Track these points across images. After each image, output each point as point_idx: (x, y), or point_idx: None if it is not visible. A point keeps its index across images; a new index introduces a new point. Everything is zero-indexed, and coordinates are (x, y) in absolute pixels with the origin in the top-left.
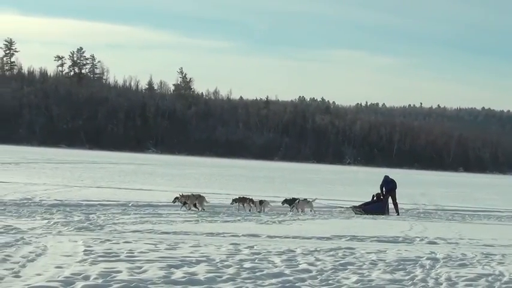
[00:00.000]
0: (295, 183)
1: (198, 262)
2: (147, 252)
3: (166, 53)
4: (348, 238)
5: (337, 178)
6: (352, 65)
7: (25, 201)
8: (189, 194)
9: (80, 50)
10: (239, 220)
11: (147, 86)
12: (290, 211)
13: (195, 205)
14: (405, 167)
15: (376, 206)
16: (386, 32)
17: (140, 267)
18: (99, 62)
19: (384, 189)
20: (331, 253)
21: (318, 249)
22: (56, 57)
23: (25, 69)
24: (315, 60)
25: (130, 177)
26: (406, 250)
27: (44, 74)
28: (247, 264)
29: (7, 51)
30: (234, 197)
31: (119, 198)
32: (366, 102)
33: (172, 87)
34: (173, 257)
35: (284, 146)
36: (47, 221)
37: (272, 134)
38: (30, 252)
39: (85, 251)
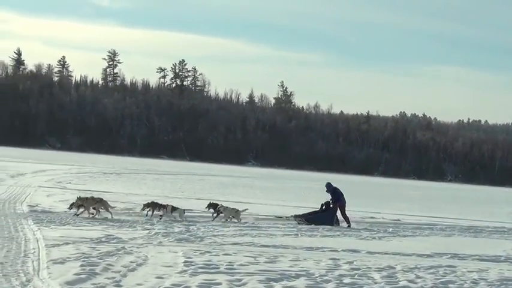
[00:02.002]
0: (395, 199)
1: (297, 276)
2: (247, 265)
3: (267, 66)
4: (449, 256)
5: (439, 195)
6: (454, 81)
7: (126, 211)
8: (88, 196)
9: (182, 62)
10: (338, 235)
11: (247, 99)
12: (213, 217)
13: (95, 209)
14: (507, 185)
15: (322, 216)
16: (489, 48)
17: (240, 280)
18: (200, 74)
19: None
20: (432, 271)
21: (418, 266)
22: (158, 69)
23: (127, 81)
24: (416, 76)
25: (230, 190)
26: (508, 270)
27: (146, 85)
28: (346, 280)
29: (110, 63)
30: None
31: None
32: (468, 119)
33: (273, 101)
34: (272, 270)
35: (384, 161)
36: (147, 231)
37: (372, 149)
38: (131, 262)
39: (185, 262)
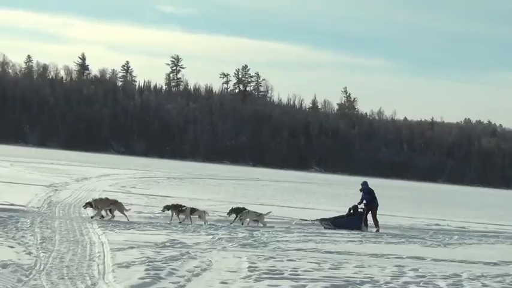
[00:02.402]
0: (459, 206)
1: (362, 283)
2: (311, 271)
3: (331, 71)
4: None
5: (504, 202)
6: None
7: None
8: (103, 198)
9: (245, 67)
10: (403, 242)
11: (310, 105)
12: (235, 221)
13: (111, 211)
14: None
15: (349, 220)
16: None
17: (304, 286)
18: (263, 80)
19: (363, 201)
20: (498, 279)
21: (485, 274)
22: (221, 75)
23: (191, 86)
24: (481, 82)
25: (293, 195)
26: None
27: (209, 90)
28: (412, 287)
29: (174, 68)
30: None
31: (283, 216)
32: None
33: (336, 107)
34: (337, 276)
35: (449, 168)
36: (211, 236)
37: (436, 156)
38: (195, 267)
39: (249, 267)
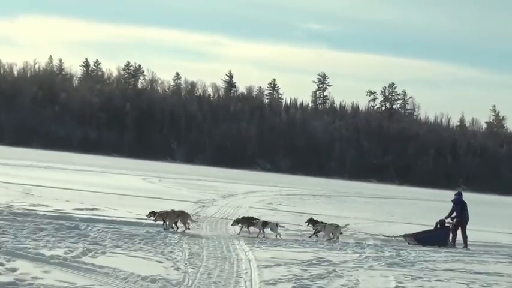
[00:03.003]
0: None
1: None
2: None
3: (478, 89)
4: None
5: None
6: None
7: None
8: (169, 210)
9: (391, 85)
10: None
11: (458, 123)
12: (313, 235)
13: (176, 224)
14: None
15: (434, 236)
16: None
17: None
18: (410, 97)
19: (452, 215)
20: None
21: None
22: (367, 92)
23: (337, 103)
24: None
25: (444, 214)
26: None
27: (355, 108)
28: None
29: (320, 85)
30: None
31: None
32: None
33: (484, 125)
34: None
35: None
36: (358, 254)
37: None
38: (342, 285)
39: (397, 287)
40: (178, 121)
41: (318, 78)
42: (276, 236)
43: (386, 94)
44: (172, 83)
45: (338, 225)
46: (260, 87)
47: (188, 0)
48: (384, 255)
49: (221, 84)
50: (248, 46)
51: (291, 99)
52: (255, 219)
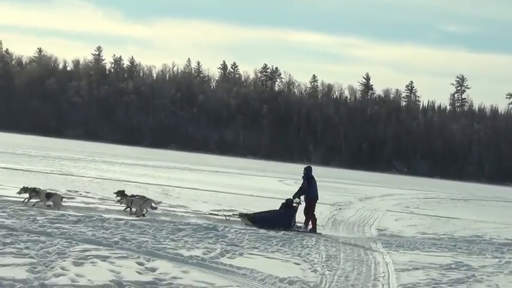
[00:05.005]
0: None
1: None
2: None
3: None
4: None
5: None
6: None
7: (475, 238)
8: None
9: None
10: None
11: None
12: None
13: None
14: None
15: (276, 216)
16: None
17: None
18: None
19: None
20: None
21: None
22: (507, 95)
23: (475, 106)
24: None
25: None
26: None
27: (494, 111)
28: None
29: (458, 88)
30: None
31: None
32: None
33: None
34: None
35: None
36: (497, 259)
37: None
38: None
39: None
40: (315, 123)
41: (457, 81)
42: (58, 209)
43: None
44: (309, 85)
45: (148, 199)
46: (397, 89)
47: (326, 3)
48: None
49: (358, 87)
50: (384, 48)
51: (428, 101)
52: (40, 189)
